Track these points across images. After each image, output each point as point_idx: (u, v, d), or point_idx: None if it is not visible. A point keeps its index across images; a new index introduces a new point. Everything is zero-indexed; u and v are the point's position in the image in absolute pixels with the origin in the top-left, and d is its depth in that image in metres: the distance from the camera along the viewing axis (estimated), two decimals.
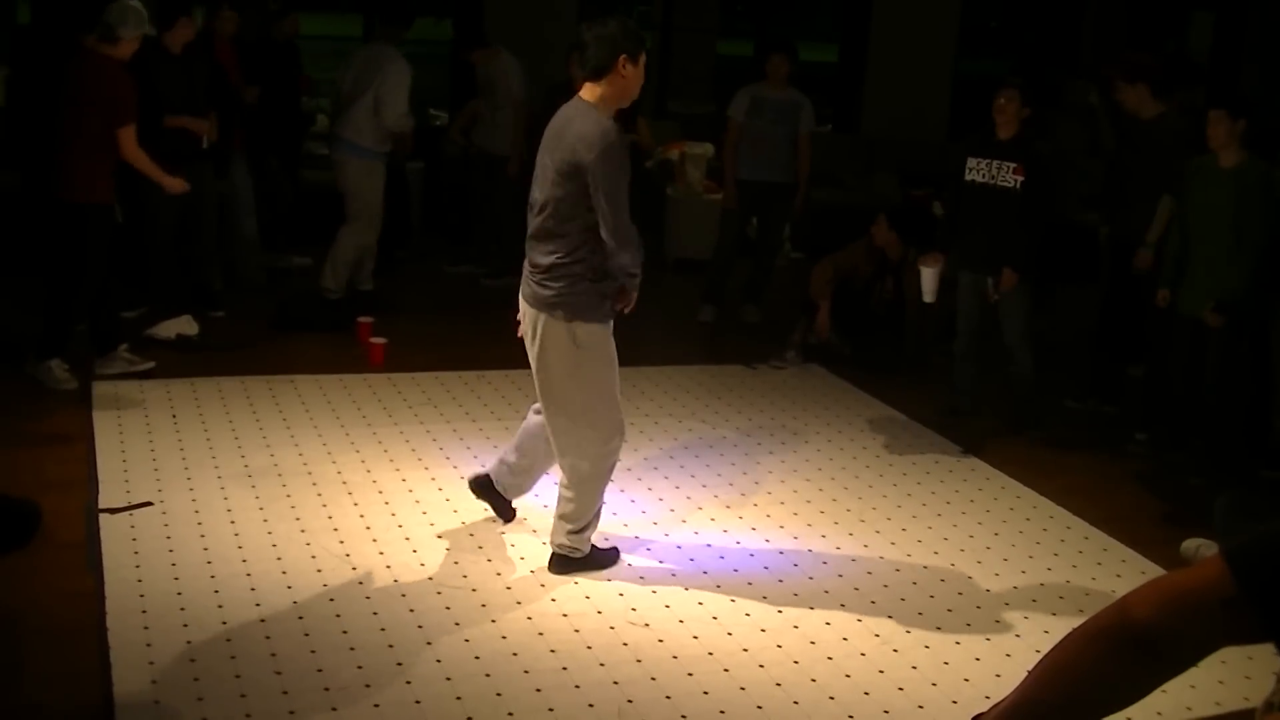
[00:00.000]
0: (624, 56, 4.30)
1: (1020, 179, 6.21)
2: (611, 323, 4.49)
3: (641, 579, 4.65)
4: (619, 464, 5.72)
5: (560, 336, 4.41)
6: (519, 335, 4.59)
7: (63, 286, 6.21)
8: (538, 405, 4.66)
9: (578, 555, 4.66)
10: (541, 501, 5.27)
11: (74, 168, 6.07)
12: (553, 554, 4.68)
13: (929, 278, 6.47)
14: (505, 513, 4.99)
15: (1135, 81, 6.68)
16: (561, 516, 4.64)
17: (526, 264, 4.51)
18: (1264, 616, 1.45)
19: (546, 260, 4.38)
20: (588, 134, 4.23)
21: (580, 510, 4.61)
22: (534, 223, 4.45)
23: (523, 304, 4.53)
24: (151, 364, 6.51)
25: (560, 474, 4.66)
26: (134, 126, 6.08)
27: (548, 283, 4.39)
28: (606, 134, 4.24)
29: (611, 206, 4.25)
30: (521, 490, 4.98)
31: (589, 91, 4.36)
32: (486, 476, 4.96)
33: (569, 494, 4.62)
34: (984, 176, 6.33)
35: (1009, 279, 6.26)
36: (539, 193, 4.42)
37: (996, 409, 6.75)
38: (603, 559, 4.73)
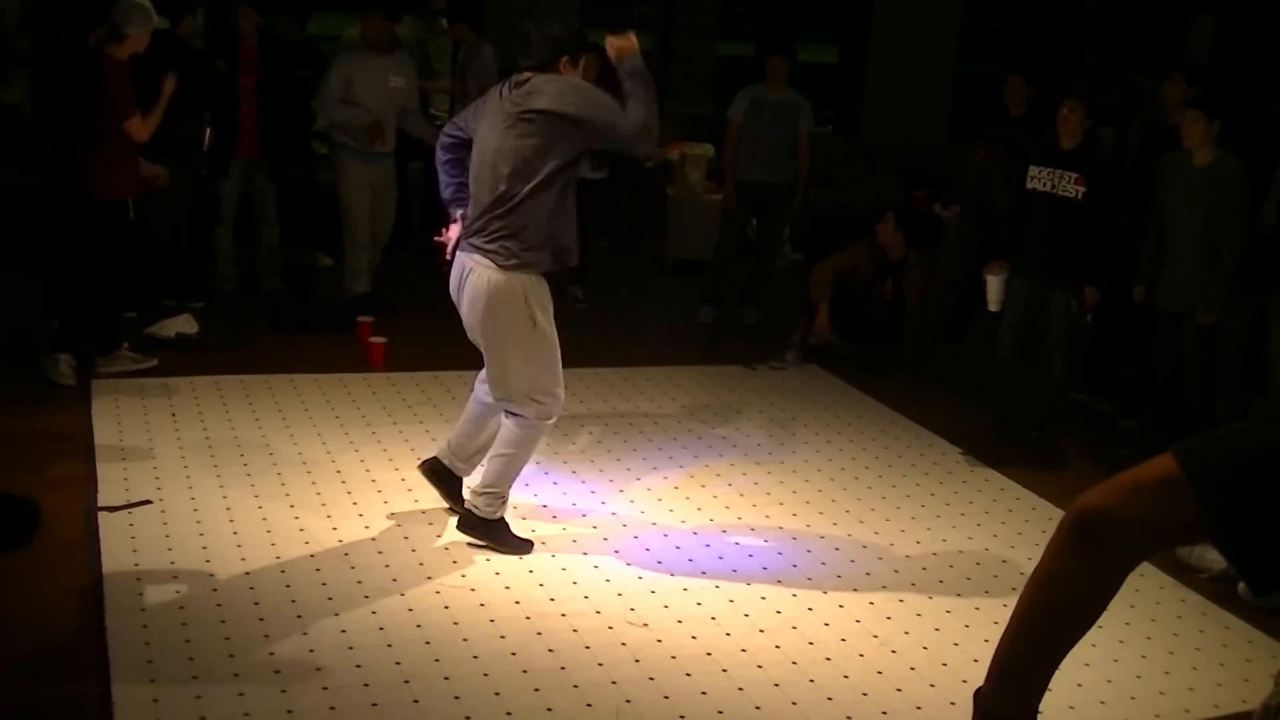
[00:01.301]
0: (566, 58, 4.57)
1: (1082, 189, 6.15)
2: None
3: (640, 579, 4.65)
4: (618, 463, 5.76)
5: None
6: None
7: (82, 282, 6.27)
8: (482, 376, 4.86)
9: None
10: (540, 501, 5.28)
11: (90, 166, 6.16)
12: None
13: (995, 286, 6.36)
14: (456, 498, 5.02)
15: (1194, 84, 6.77)
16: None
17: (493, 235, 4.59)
18: (1202, 497, 1.53)
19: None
20: (565, 86, 4.50)
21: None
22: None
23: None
24: (154, 361, 6.52)
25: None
26: (138, 116, 6.15)
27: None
28: (580, 83, 4.59)
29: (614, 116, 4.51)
30: (470, 469, 5.05)
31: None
32: (435, 460, 5.05)
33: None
34: (1045, 186, 6.25)
35: (1091, 296, 6.20)
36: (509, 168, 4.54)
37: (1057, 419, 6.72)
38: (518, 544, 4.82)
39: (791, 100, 8.12)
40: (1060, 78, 10.76)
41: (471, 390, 5.00)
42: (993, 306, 6.46)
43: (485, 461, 4.86)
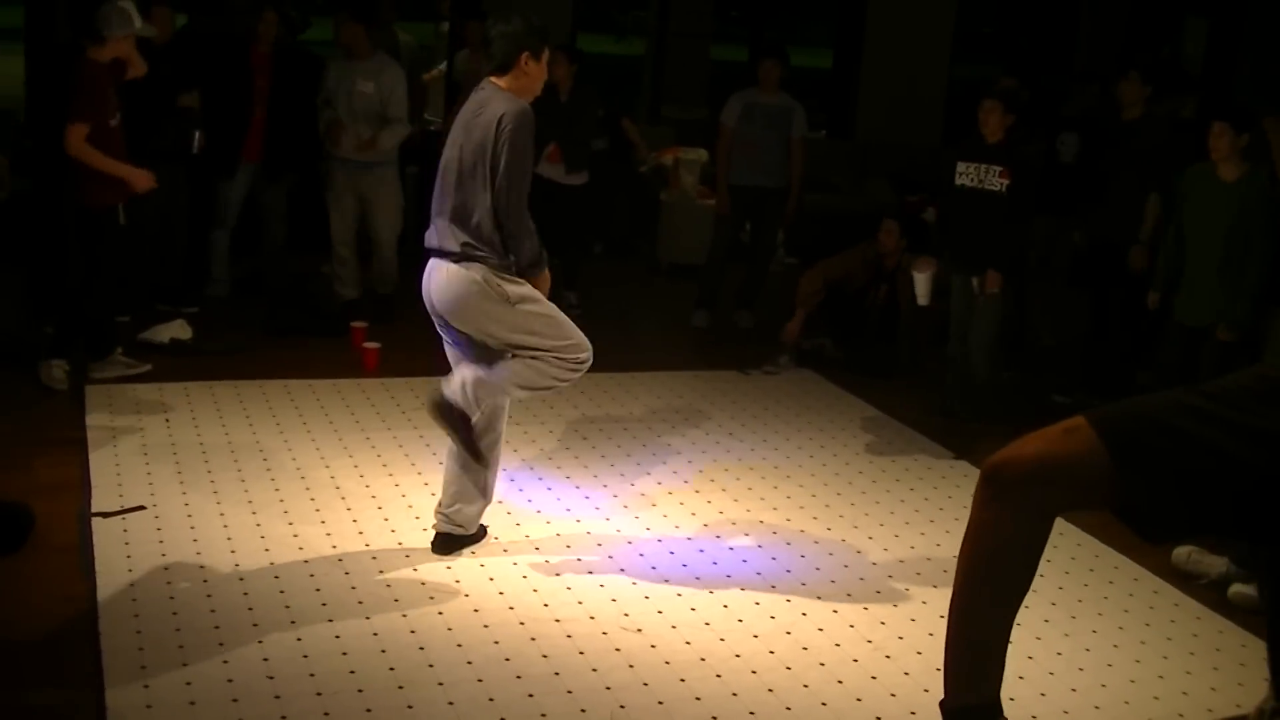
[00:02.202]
0: (526, 54, 4.49)
1: (1006, 183, 6.37)
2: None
3: (634, 584, 4.65)
4: (612, 468, 5.76)
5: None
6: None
7: (75, 288, 6.27)
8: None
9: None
10: (535, 507, 5.28)
11: (83, 173, 6.11)
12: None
13: (922, 282, 6.58)
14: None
15: (1148, 82, 6.87)
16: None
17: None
18: (1103, 439, 1.60)
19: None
20: (506, 110, 4.40)
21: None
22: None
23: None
24: (147, 367, 6.52)
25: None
26: (84, 125, 5.98)
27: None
28: (523, 112, 4.42)
29: (510, 184, 4.39)
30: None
31: (498, 84, 4.55)
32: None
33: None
34: (972, 181, 6.51)
35: (993, 280, 6.41)
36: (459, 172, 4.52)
37: (988, 413, 6.75)
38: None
39: (784, 104, 8.14)
40: (1053, 82, 10.76)
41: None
42: (922, 301, 6.73)
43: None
